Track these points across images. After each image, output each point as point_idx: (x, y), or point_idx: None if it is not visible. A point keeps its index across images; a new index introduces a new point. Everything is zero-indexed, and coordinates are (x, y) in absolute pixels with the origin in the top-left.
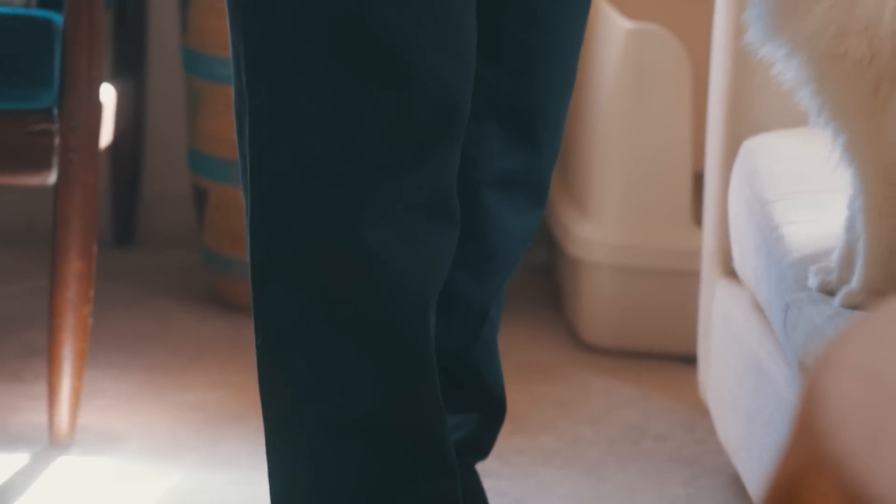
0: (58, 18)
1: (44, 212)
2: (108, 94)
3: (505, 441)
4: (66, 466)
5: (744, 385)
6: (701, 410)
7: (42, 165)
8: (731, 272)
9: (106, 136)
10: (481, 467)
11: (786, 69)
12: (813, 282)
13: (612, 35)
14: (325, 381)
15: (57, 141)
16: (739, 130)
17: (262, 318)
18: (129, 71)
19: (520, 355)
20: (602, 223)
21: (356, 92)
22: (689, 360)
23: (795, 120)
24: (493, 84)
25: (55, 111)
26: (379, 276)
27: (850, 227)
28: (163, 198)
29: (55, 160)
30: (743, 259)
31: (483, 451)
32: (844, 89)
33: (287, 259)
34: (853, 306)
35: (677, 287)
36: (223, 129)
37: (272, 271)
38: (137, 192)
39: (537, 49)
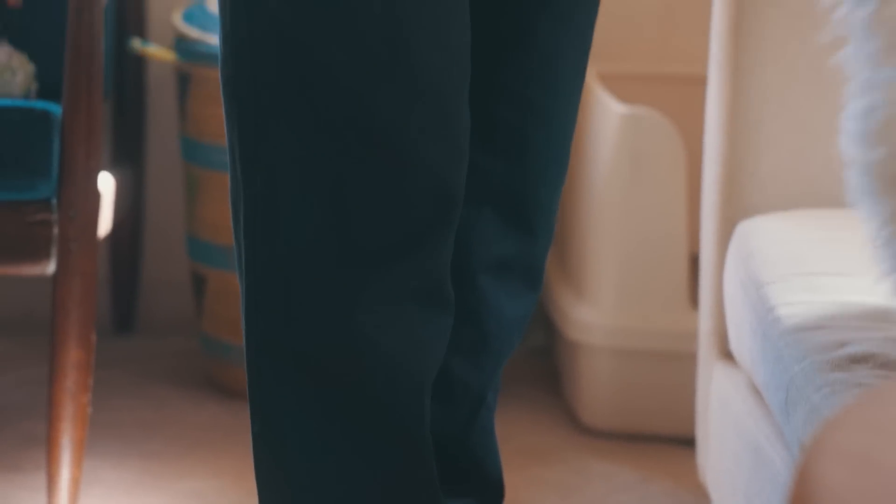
0: (56, 110)
1: (43, 300)
2: (106, 183)
3: None
4: None
5: (742, 468)
6: (701, 494)
7: (41, 255)
8: (727, 354)
9: (105, 225)
10: None
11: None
12: None
13: (606, 119)
14: (321, 468)
15: (55, 231)
16: (733, 213)
17: (258, 405)
18: (128, 159)
19: (518, 439)
20: (599, 306)
21: (350, 180)
22: (688, 442)
23: (789, 203)
24: (487, 170)
25: (54, 201)
26: (374, 363)
27: None
28: (162, 285)
29: (54, 250)
30: (739, 341)
31: None
32: None
33: (282, 346)
34: None
35: (675, 369)
36: (221, 216)
37: (267, 358)
38: (137, 279)
39: (531, 136)
